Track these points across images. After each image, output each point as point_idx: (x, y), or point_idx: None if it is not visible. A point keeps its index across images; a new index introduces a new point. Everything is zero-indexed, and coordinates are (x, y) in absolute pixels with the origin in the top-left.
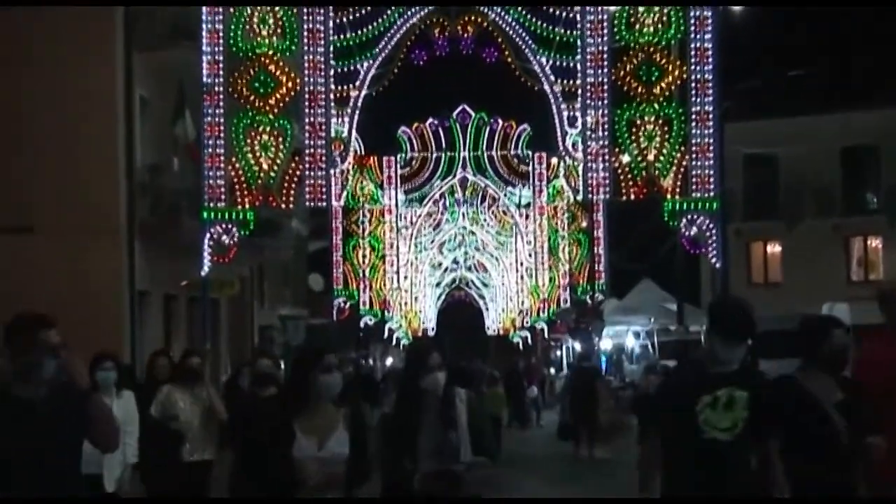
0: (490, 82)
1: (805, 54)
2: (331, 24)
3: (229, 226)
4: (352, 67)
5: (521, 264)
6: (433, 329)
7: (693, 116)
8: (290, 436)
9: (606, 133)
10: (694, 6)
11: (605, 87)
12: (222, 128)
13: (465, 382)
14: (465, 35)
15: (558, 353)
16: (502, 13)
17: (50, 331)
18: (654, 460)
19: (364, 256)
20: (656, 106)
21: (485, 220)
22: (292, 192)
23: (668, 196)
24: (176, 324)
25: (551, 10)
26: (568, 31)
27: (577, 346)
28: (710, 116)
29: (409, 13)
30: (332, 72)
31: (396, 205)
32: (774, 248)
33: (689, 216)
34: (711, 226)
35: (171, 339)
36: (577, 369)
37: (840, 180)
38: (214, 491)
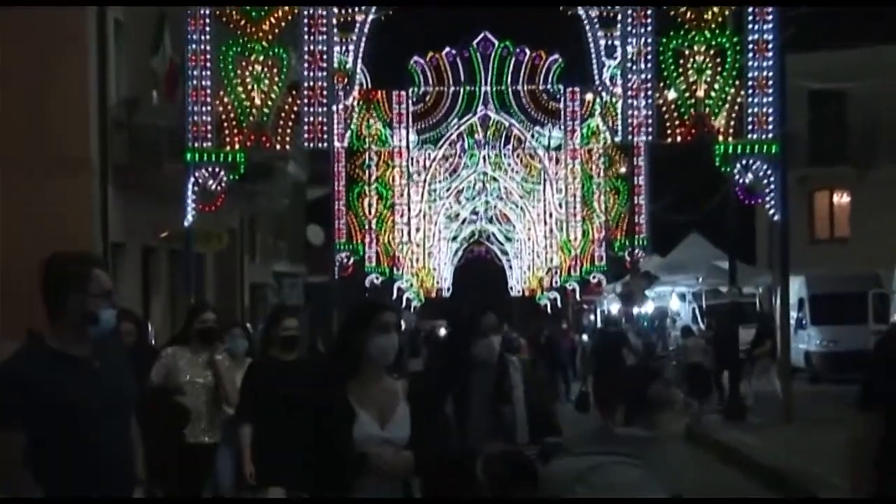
0: (516, 5)
1: None
2: None
3: (216, 169)
4: None
5: (550, 216)
6: (449, 289)
7: (750, 46)
8: (349, 411)
9: (650, 65)
10: None
11: (649, 11)
12: (209, 57)
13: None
14: None
15: (592, 317)
16: None
17: (102, 272)
18: (869, 442)
19: (370, 206)
20: (707, 34)
21: (509, 164)
22: (288, 131)
23: (720, 138)
24: (155, 281)
25: None
26: None
27: (611, 309)
28: (770, 46)
29: None
30: None
31: (408, 147)
32: (842, 199)
33: (745, 161)
34: (770, 172)
35: (150, 298)
36: (601, 335)
37: None
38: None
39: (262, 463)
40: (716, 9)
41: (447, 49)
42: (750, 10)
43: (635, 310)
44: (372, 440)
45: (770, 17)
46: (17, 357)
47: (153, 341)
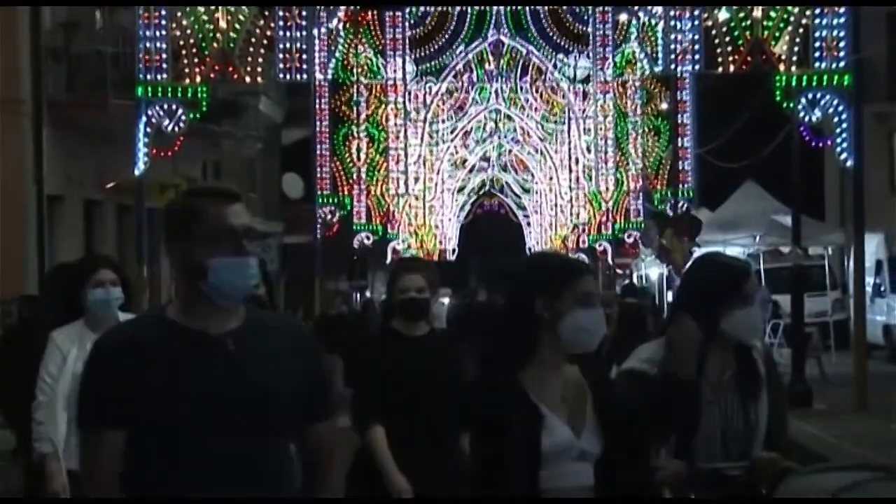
0: None
1: None
2: None
3: (173, 107)
4: None
5: (577, 162)
6: (454, 251)
7: None
8: (533, 411)
9: None
10: None
11: None
12: None
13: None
14: None
15: (628, 283)
16: None
17: (232, 204)
18: None
19: (359, 150)
20: None
21: (526, 100)
22: (260, 60)
23: (781, 68)
24: (100, 241)
25: None
26: None
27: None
28: None
29: None
30: None
31: (404, 79)
32: None
33: (811, 95)
34: (841, 109)
35: None
36: (619, 307)
37: None
38: None
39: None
40: None
41: None
42: None
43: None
44: (568, 452)
45: None
46: (123, 329)
47: None
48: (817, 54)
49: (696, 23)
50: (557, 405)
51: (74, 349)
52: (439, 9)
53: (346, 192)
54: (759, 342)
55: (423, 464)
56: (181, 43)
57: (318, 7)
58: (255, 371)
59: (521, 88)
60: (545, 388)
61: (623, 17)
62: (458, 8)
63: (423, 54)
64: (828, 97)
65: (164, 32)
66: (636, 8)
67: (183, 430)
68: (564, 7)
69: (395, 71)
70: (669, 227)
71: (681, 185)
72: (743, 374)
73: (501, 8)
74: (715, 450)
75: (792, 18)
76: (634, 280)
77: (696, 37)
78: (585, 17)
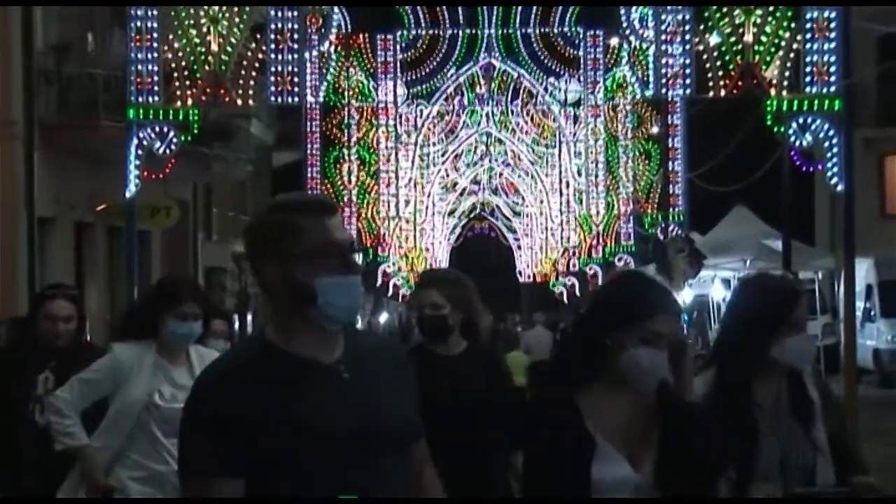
0: None
1: None
2: None
3: (165, 129)
4: None
5: (567, 185)
6: None
7: None
8: (586, 438)
9: (688, 3)
10: None
11: None
12: None
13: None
14: None
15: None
16: None
17: (328, 218)
18: None
19: (350, 173)
20: None
21: (517, 123)
22: (252, 83)
23: (772, 92)
24: (90, 264)
25: None
26: None
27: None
28: None
29: None
30: None
31: (395, 102)
32: None
33: (801, 120)
34: (832, 133)
35: (84, 284)
36: None
37: None
38: None
39: None
40: None
41: None
42: None
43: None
44: (623, 486)
45: None
46: (228, 363)
47: (88, 336)
48: (808, 79)
49: (688, 47)
50: (616, 435)
51: (140, 371)
52: (430, 32)
53: None
54: (808, 366)
55: (460, 485)
56: (173, 66)
57: (309, 30)
58: (372, 397)
59: (512, 112)
60: (605, 415)
61: (614, 42)
62: (449, 31)
63: (414, 77)
64: (818, 122)
65: (155, 55)
66: (627, 32)
67: (309, 468)
68: (555, 30)
69: (386, 94)
70: (685, 249)
71: (671, 209)
72: (797, 401)
73: (492, 31)
74: (775, 480)
75: (783, 43)
76: None
77: (687, 61)
78: (576, 41)
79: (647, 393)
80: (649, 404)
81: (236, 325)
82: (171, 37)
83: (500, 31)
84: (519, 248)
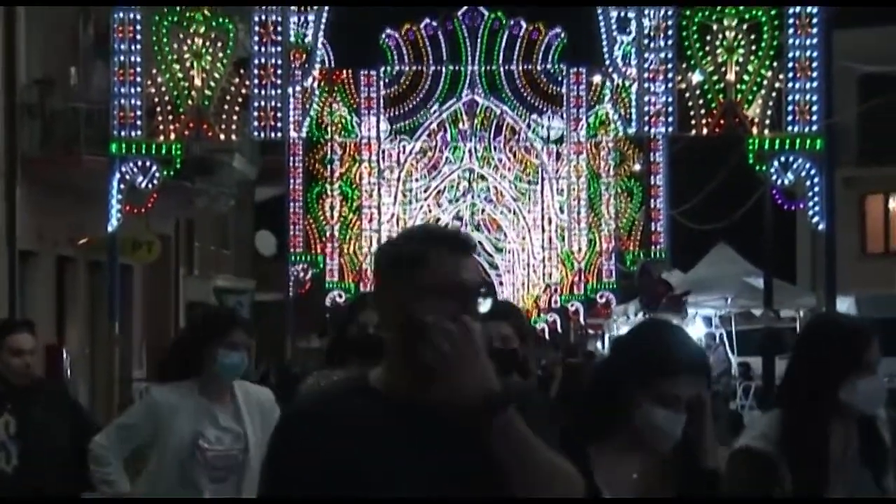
0: None
1: None
2: None
3: (147, 164)
4: None
5: (549, 222)
6: None
7: (790, 21)
8: (594, 494)
9: (670, 42)
10: None
11: None
12: (139, 27)
13: None
14: None
15: (599, 344)
16: None
17: (475, 261)
18: None
19: (332, 208)
20: (739, 6)
21: (499, 160)
22: (235, 118)
23: (754, 131)
24: (71, 298)
25: None
26: None
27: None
28: (814, 21)
29: None
30: None
31: (378, 138)
32: None
33: (783, 158)
34: (813, 172)
35: (65, 319)
36: (564, 368)
37: None
38: None
39: None
40: None
41: (426, 20)
42: None
43: None
44: None
45: None
46: (319, 401)
47: (69, 372)
48: (790, 118)
49: (670, 85)
50: (627, 490)
51: (181, 414)
52: (414, 68)
53: (318, 251)
54: (882, 410)
55: None
56: (156, 100)
57: (292, 65)
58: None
59: (495, 148)
60: (617, 470)
61: (597, 79)
62: (432, 67)
63: (397, 113)
64: (800, 160)
65: (138, 89)
66: (610, 69)
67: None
68: (539, 67)
69: (369, 129)
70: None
71: (653, 247)
72: (869, 448)
73: (476, 67)
74: None
75: (765, 82)
76: (607, 340)
77: (670, 99)
78: (559, 78)
79: (663, 451)
80: (665, 463)
81: None
82: (154, 71)
83: (483, 68)
84: (501, 284)
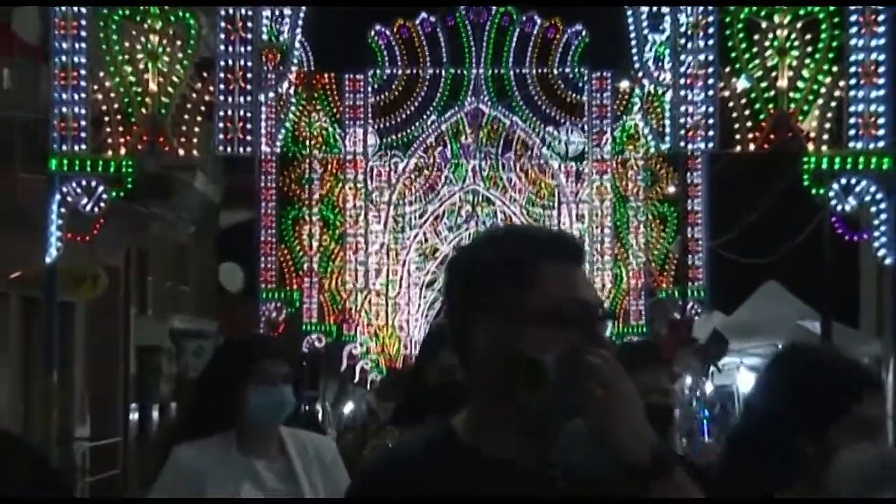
0: None
1: None
2: None
3: (93, 183)
4: None
5: None
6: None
7: (853, 18)
8: None
9: (711, 42)
10: None
11: None
12: (83, 23)
13: None
14: None
15: None
16: None
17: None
18: None
19: (311, 237)
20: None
21: (509, 179)
22: (196, 129)
23: (811, 147)
24: (2, 339)
25: None
26: None
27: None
28: (881, 19)
29: None
30: None
31: (365, 153)
32: None
33: (845, 180)
34: (880, 196)
35: None
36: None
37: None
38: None
39: None
40: None
41: (423, 15)
42: None
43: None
44: None
45: None
46: (401, 459)
47: None
48: (852, 132)
49: (711, 93)
50: None
51: (216, 477)
52: (408, 71)
53: (294, 287)
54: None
55: None
56: (103, 108)
57: (265, 67)
58: None
59: (503, 166)
60: None
61: (624, 85)
62: (430, 71)
63: (387, 124)
64: (864, 183)
65: (83, 96)
66: (639, 74)
67: None
68: (555, 71)
69: (354, 144)
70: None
71: (690, 284)
72: None
73: (481, 71)
74: None
75: (823, 90)
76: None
77: (711, 109)
78: (580, 84)
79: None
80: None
81: (173, 407)
82: (101, 74)
83: (490, 72)
84: None
